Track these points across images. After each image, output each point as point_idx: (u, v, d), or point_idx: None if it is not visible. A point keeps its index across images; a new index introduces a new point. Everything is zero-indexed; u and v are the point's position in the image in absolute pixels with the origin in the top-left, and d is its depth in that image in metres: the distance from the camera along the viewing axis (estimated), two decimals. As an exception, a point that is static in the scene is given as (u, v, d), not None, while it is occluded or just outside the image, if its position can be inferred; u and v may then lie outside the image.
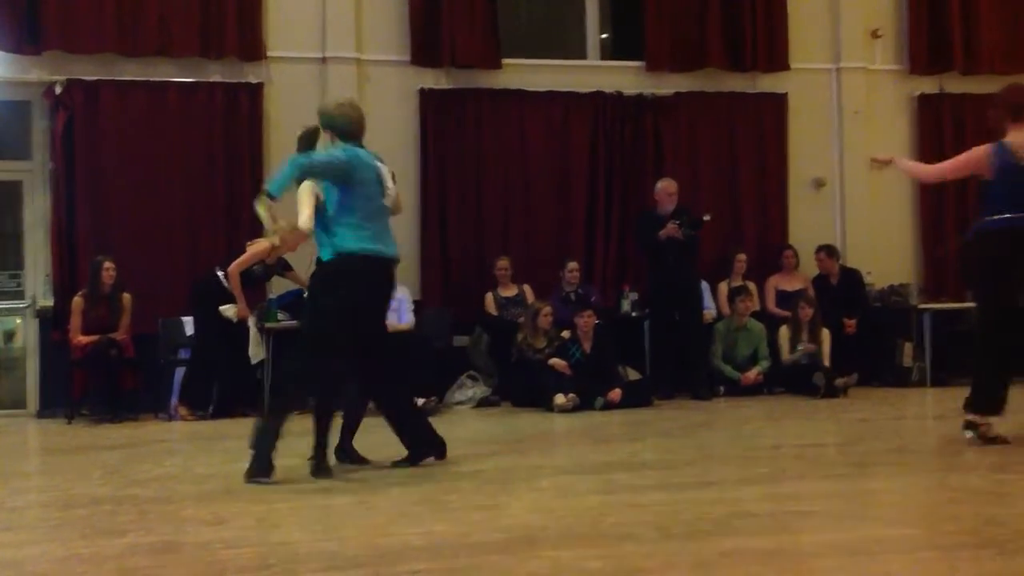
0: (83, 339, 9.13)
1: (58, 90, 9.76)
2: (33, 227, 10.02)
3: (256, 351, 9.10)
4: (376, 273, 5.49)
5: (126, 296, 9.33)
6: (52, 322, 9.68)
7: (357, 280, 5.40)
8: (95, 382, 9.22)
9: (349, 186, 5.37)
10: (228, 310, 8.97)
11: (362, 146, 5.54)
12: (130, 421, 8.87)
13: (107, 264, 9.24)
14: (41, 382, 9.81)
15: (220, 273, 9.04)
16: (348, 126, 5.53)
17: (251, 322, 9.09)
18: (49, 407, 9.58)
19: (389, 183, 5.59)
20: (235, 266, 8.93)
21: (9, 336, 10.29)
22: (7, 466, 6.87)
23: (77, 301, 9.26)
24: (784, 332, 10.12)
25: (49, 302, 9.77)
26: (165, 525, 4.42)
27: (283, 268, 9.30)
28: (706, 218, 9.97)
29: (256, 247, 8.62)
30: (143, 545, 4.03)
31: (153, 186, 9.90)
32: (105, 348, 9.02)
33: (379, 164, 5.58)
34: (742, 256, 10.71)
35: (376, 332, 5.66)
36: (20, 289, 10.00)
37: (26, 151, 10.07)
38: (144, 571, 3.63)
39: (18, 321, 10.12)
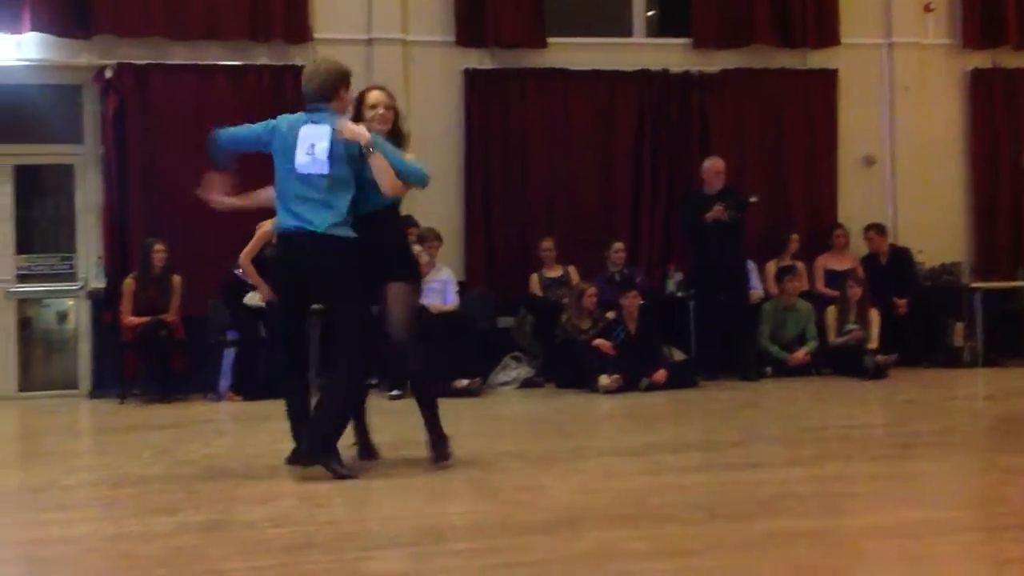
0: (134, 320, 9.25)
1: (108, 74, 9.86)
2: (85, 210, 10.15)
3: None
4: (282, 254, 5.19)
5: (176, 278, 9.44)
6: (104, 304, 9.80)
7: (275, 264, 5.38)
8: (146, 363, 9.34)
9: (274, 159, 5.25)
10: (252, 298, 9.02)
11: (321, 110, 5.23)
12: (179, 401, 8.98)
13: (158, 246, 9.35)
14: (93, 363, 9.96)
15: (238, 272, 9.13)
16: (304, 90, 5.36)
17: None
18: (101, 388, 9.72)
19: (316, 146, 5.09)
20: (245, 256, 9.00)
21: (62, 318, 10.45)
22: (60, 446, 7.00)
23: (128, 283, 9.39)
24: (832, 312, 10.02)
25: (101, 284, 9.90)
26: (214, 504, 4.49)
27: None
28: (752, 200, 9.87)
29: (262, 229, 8.65)
30: (192, 524, 4.09)
31: (202, 169, 9.92)
32: (155, 329, 9.14)
33: (309, 127, 5.18)
34: (795, 236, 10.61)
35: (299, 320, 5.32)
36: (72, 271, 10.14)
37: (77, 135, 10.19)
38: (193, 549, 3.69)
39: (70, 303, 10.27)
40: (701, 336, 10.00)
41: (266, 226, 8.50)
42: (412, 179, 5.18)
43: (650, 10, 11.40)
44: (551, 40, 10.70)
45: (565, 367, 9.27)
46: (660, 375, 8.81)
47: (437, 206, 9.85)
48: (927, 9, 11.35)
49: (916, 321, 10.37)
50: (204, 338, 9.37)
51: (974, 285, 10.63)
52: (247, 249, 8.90)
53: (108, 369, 9.64)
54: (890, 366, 9.57)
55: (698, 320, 10.06)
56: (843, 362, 9.69)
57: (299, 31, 10.20)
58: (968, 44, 11.39)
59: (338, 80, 5.25)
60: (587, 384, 8.77)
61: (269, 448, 6.20)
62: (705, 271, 9.81)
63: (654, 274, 10.60)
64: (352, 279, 5.01)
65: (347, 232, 4.99)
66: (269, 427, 7.34)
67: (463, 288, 9.93)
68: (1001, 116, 11.41)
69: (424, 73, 10.49)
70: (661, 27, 11.48)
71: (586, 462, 5.31)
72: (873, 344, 9.79)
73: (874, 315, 9.93)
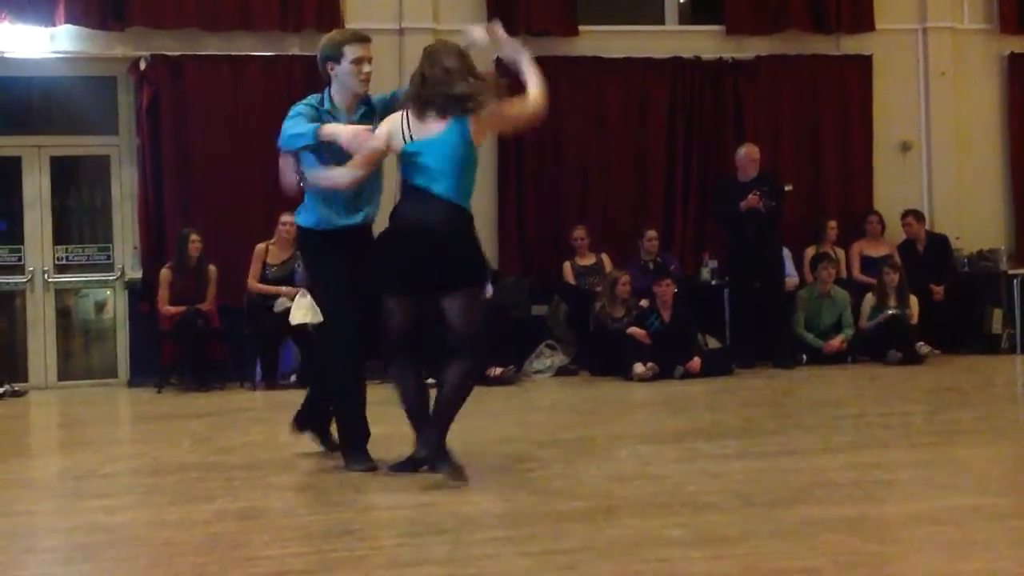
0: (171, 310, 9.32)
1: (143, 66, 9.93)
2: (121, 201, 10.23)
3: (302, 314, 9.11)
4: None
5: (212, 268, 9.50)
6: (140, 293, 9.90)
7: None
8: (183, 352, 9.41)
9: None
10: (281, 305, 9.09)
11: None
12: (217, 390, 9.05)
13: (193, 236, 9.42)
14: (131, 352, 10.05)
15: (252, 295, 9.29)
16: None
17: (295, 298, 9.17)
18: (139, 376, 9.81)
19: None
20: (251, 280, 9.29)
21: (100, 307, 10.55)
22: (100, 434, 7.07)
23: (164, 273, 9.46)
24: (869, 298, 9.94)
25: (137, 274, 9.99)
26: (251, 491, 4.52)
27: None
28: (787, 188, 9.81)
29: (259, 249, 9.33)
30: (230, 511, 4.12)
31: (236, 160, 10.03)
32: (192, 319, 9.20)
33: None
34: (833, 223, 10.53)
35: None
36: (109, 261, 10.23)
37: (113, 126, 10.27)
38: (231, 536, 3.72)
39: (108, 292, 10.37)
40: (736, 324, 9.97)
41: (262, 247, 9.13)
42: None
43: (682, -3, 11.34)
44: (582, 28, 10.66)
45: (599, 355, 9.26)
46: (695, 363, 8.78)
47: (473, 195, 9.83)
48: (963, -8, 11.23)
49: (954, 308, 10.28)
50: (240, 328, 9.42)
51: (1012, 272, 10.53)
52: (252, 272, 9.13)
53: (146, 358, 9.73)
54: (925, 355, 9.51)
55: (733, 308, 10.02)
56: (880, 348, 9.62)
57: (331, 20, 10.19)
58: (1005, 28, 11.26)
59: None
60: (622, 372, 8.76)
61: (304, 437, 6.24)
62: (740, 259, 9.75)
63: (688, 262, 10.56)
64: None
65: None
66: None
67: (496, 277, 9.92)
68: (1039, 100, 11.26)
69: (456, 62, 10.47)
70: (693, 14, 11.42)
71: (621, 450, 5.30)
72: (913, 321, 9.70)
73: (913, 301, 9.86)
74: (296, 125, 4.83)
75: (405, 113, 4.61)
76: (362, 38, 4.94)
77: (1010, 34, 11.26)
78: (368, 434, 4.94)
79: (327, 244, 4.90)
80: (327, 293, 5.09)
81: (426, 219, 4.51)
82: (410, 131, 4.55)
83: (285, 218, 9.26)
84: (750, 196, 9.54)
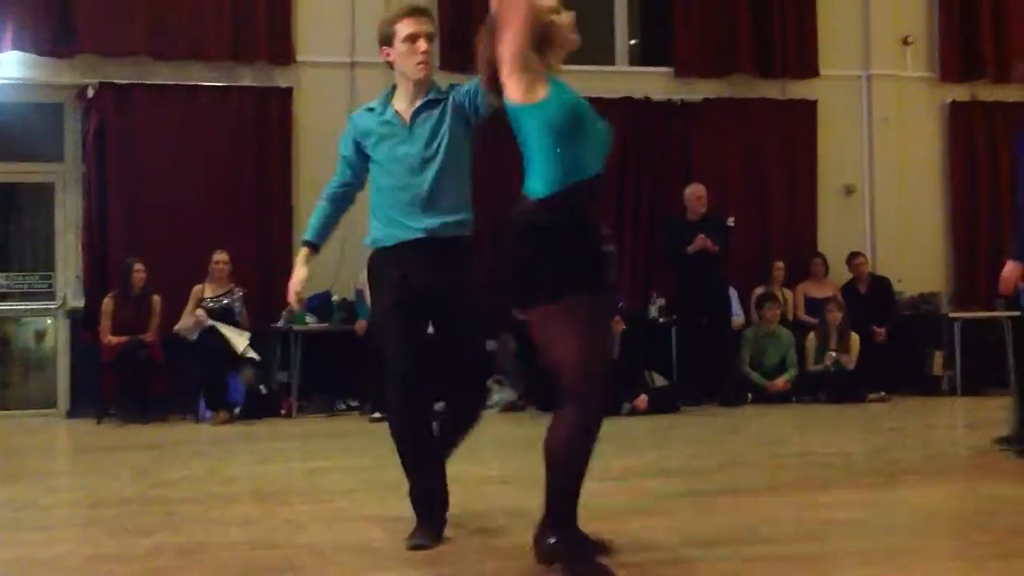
0: (113, 340, 9.20)
1: (90, 93, 9.84)
2: (64, 229, 10.10)
3: (239, 341, 9.16)
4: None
5: (156, 298, 9.40)
6: (82, 323, 9.75)
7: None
8: (124, 383, 9.28)
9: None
10: (184, 327, 9.12)
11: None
12: (158, 422, 8.92)
13: (137, 266, 9.32)
14: (71, 382, 9.89)
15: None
16: None
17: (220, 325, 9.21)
18: (79, 407, 9.65)
19: None
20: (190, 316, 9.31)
21: (40, 336, 10.39)
22: (38, 465, 6.92)
23: (107, 302, 9.34)
24: (812, 338, 10.07)
25: (80, 303, 9.85)
26: (192, 526, 4.45)
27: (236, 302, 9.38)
28: (730, 222, 9.93)
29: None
30: (170, 545, 4.05)
31: (184, 189, 9.97)
32: (134, 349, 9.09)
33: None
34: (780, 264, 10.67)
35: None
36: (51, 290, 10.08)
37: (58, 153, 10.16)
38: (171, 571, 3.65)
39: (49, 321, 10.21)
40: (683, 362, 10.03)
41: (199, 288, 9.28)
42: None
43: (632, 39, 11.48)
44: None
45: (547, 391, 9.23)
46: (642, 400, 8.81)
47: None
48: (905, 42, 11.52)
49: (896, 350, 10.44)
50: (183, 359, 9.31)
51: (953, 315, 10.71)
52: (188, 311, 9.11)
53: (86, 388, 9.59)
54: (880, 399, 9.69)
55: (680, 345, 10.09)
56: (823, 388, 9.77)
57: (283, 53, 10.23)
58: (946, 77, 11.55)
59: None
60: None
61: (248, 471, 6.18)
62: (688, 297, 9.84)
63: (636, 299, 10.63)
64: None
65: None
66: (249, 448, 7.32)
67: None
68: (980, 149, 11.55)
69: (408, 97, 10.50)
70: (643, 56, 11.56)
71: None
72: (851, 367, 9.86)
73: (855, 341, 9.99)
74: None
75: None
76: (417, 10, 4.02)
77: (951, 82, 11.55)
78: (434, 498, 3.99)
79: (380, 267, 4.05)
80: (375, 331, 4.39)
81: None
82: None
83: (219, 256, 9.27)
84: (698, 238, 9.65)
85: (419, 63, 3.95)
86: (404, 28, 3.96)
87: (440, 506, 3.99)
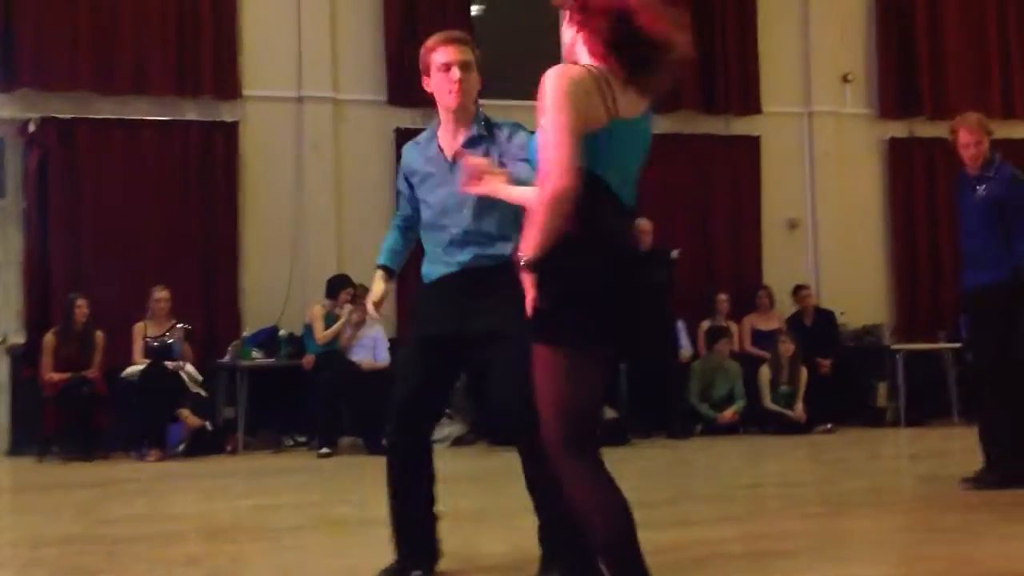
0: (55, 376, 9.03)
1: (32, 128, 9.71)
2: (5, 264, 9.92)
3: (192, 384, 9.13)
4: None
5: (99, 334, 9.25)
6: (23, 359, 9.56)
7: None
8: (67, 420, 9.09)
9: None
10: (132, 375, 9.04)
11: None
12: (101, 460, 8.76)
13: (80, 301, 9.17)
14: (12, 420, 9.67)
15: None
16: None
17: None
18: (20, 445, 9.44)
19: None
20: (136, 357, 9.19)
21: (-21, 374, 10.16)
22: (-25, 505, 6.77)
23: (49, 338, 9.18)
24: (765, 372, 10.14)
25: (21, 339, 9.66)
26: (136, 565, 4.37)
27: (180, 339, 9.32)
28: (674, 254, 10.01)
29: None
30: (114, 585, 3.97)
31: (127, 224, 9.85)
32: (77, 386, 8.93)
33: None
34: (723, 296, 10.76)
35: None
36: (-10, 327, 9.89)
37: (-1, 188, 10.01)
38: (116, 611, 3.58)
39: (-12, 358, 10.00)
40: (632, 394, 10.06)
41: (140, 325, 9.14)
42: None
43: (580, 74, 11.58)
44: (483, 102, 10.75)
45: (497, 424, 9.23)
46: (590, 433, 8.81)
47: (367, 263, 9.80)
48: (845, 80, 11.76)
49: (840, 382, 10.57)
50: (127, 395, 9.16)
51: (895, 347, 10.86)
52: (135, 350, 9.03)
53: (27, 426, 9.37)
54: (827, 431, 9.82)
55: (629, 378, 10.13)
56: (772, 420, 9.87)
57: (228, 87, 10.17)
58: (885, 114, 11.80)
59: None
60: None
61: (192, 509, 6.09)
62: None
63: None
64: None
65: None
66: (194, 486, 7.21)
67: (394, 345, 9.88)
68: (919, 183, 11.79)
69: (355, 132, 10.53)
70: (591, 91, 11.65)
71: (519, 520, 5.26)
72: (799, 403, 9.97)
73: (803, 373, 10.11)
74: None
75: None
76: (452, 39, 3.90)
77: (890, 119, 11.81)
78: (408, 527, 3.97)
79: (420, 302, 4.04)
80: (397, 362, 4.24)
81: None
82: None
83: (160, 294, 9.19)
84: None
85: (450, 91, 3.86)
86: (439, 57, 3.87)
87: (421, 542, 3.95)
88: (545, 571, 3.78)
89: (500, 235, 3.80)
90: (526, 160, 3.53)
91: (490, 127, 3.93)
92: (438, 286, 3.91)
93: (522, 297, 2.86)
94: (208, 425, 9.26)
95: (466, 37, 3.97)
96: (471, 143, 3.85)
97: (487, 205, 3.70)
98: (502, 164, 3.64)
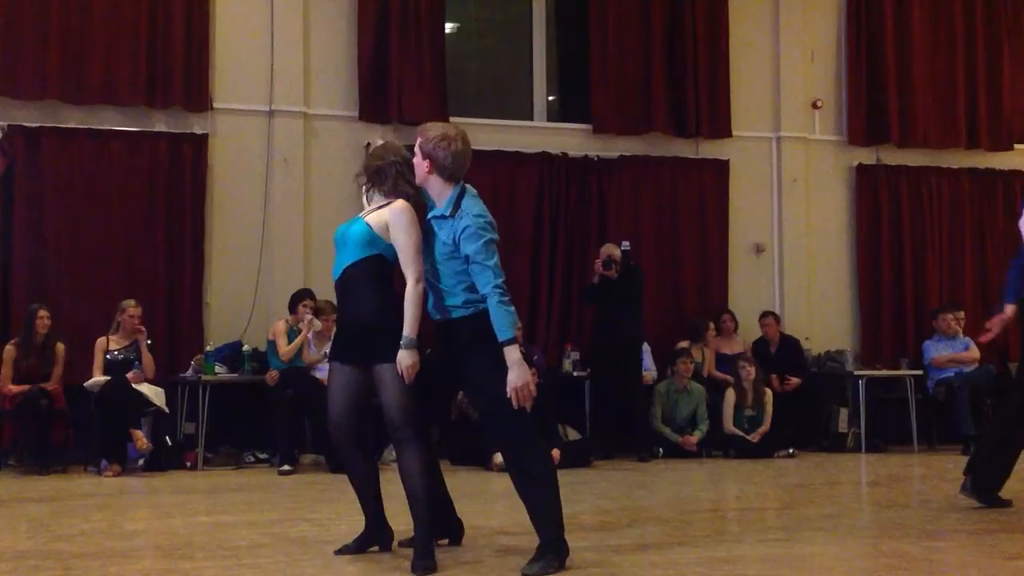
0: (13, 388, 8.92)
1: (-2, 136, 9.63)
2: (-34, 274, 9.80)
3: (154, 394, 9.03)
4: None
5: (60, 346, 9.14)
6: (-19, 371, 9.43)
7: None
8: (24, 433, 8.99)
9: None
10: (95, 384, 8.94)
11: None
12: (59, 474, 8.65)
13: (42, 312, 9.06)
14: (-33, 432, 9.54)
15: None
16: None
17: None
18: (-25, 458, 9.31)
19: None
20: (95, 371, 9.05)
21: (-64, 384, 10.01)
22: (-72, 518, 6.65)
23: (8, 349, 9.06)
24: (730, 396, 10.17)
25: (-21, 350, 9.54)
26: (91, 582, 4.31)
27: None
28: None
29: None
30: (67, 602, 3.92)
31: (93, 235, 9.78)
32: (35, 398, 8.81)
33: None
34: (712, 324, 10.86)
35: None
36: (-50, 336, 9.75)
37: (-38, 196, 9.89)
38: (66, 629, 3.53)
39: (-54, 369, 9.85)
40: (596, 416, 10.07)
41: (103, 340, 9.03)
42: None
43: (551, 95, 11.64)
44: (453, 119, 10.80)
45: (460, 444, 9.21)
46: (554, 454, 8.75)
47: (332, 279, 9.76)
48: (814, 107, 11.89)
49: (803, 406, 10.63)
50: (87, 408, 9.05)
51: (858, 372, 10.94)
52: (96, 364, 8.91)
53: (-17, 439, 9.24)
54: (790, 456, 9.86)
55: (594, 399, 10.14)
56: (733, 444, 9.91)
57: (199, 99, 10.14)
58: (853, 140, 11.93)
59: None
60: (482, 462, 8.73)
61: (150, 525, 6.02)
62: (603, 348, 9.93)
63: (551, 353, 10.66)
64: None
65: None
66: (152, 501, 7.14)
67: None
68: (885, 209, 11.91)
69: (326, 147, 10.52)
70: (562, 112, 11.72)
71: (478, 541, 5.25)
72: (766, 427, 10.02)
73: (769, 396, 10.17)
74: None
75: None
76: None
77: (858, 146, 11.94)
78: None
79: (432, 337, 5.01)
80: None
81: None
82: None
83: (133, 310, 9.07)
84: (595, 263, 9.86)
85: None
86: None
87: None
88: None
89: (466, 291, 5.03)
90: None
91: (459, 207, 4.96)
92: (435, 328, 5.18)
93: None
94: (168, 440, 9.16)
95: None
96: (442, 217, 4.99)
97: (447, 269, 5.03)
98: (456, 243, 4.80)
